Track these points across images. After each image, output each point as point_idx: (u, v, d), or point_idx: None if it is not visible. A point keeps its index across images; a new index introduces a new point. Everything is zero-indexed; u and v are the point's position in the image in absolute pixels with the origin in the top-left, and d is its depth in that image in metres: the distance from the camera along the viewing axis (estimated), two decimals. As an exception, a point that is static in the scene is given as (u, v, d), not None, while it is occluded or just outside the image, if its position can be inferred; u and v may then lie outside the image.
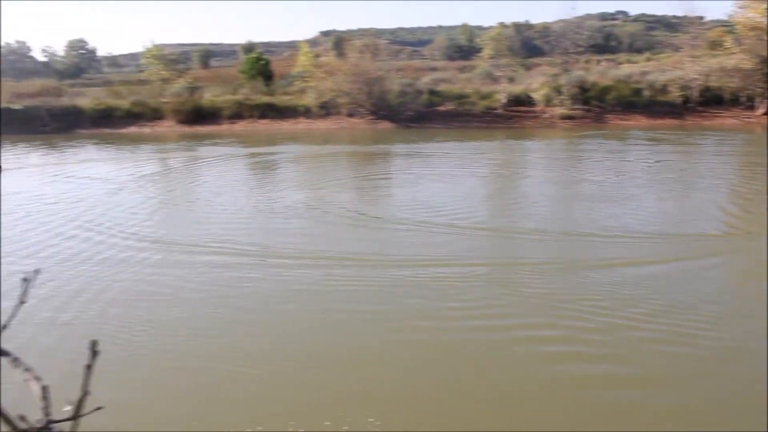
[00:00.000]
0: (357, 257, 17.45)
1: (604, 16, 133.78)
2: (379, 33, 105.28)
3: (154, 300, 14.75)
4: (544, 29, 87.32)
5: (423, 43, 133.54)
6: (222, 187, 29.63)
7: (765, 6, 55.33)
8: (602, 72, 63.18)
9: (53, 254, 18.67)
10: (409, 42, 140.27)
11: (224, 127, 58.26)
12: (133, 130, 59.30)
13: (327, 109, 59.06)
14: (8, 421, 0.82)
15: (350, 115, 58.17)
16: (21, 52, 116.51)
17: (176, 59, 75.41)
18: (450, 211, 23.27)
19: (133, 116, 61.63)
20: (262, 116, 59.86)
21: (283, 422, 9.48)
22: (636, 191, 26.40)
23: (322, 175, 33.89)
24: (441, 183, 29.79)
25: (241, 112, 60.33)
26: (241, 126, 58.71)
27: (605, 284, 15.05)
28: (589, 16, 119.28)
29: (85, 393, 0.87)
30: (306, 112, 59.53)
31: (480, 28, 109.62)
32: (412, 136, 49.80)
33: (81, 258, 18.16)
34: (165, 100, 61.98)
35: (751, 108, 55.40)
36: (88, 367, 0.85)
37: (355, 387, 10.64)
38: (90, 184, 31.32)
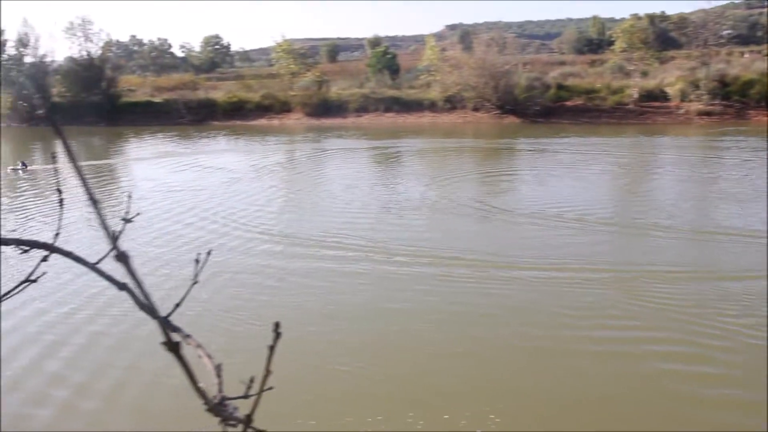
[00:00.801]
0: (477, 257, 17.12)
1: (750, 5, 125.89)
2: (506, 26, 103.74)
3: (263, 290, 15.10)
4: (681, 20, 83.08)
5: (551, 36, 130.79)
6: (346, 180, 30.04)
7: None
8: (746, 65, 59.30)
9: (171, 240, 19.58)
10: (537, 35, 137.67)
11: (350, 120, 59.20)
12: (262, 122, 61.36)
13: (452, 103, 58.83)
14: (202, 395, 0.87)
15: (475, 109, 57.68)
16: (162, 49, 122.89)
17: (305, 53, 77.29)
18: (578, 207, 22.57)
19: (263, 109, 63.78)
20: (388, 109, 60.36)
21: (402, 412, 9.45)
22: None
23: (448, 169, 33.70)
24: (570, 179, 28.99)
25: (366, 105, 61.09)
26: (366, 119, 59.46)
27: (743, 296, 13.97)
28: (732, 5, 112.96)
29: (267, 372, 0.94)
30: (431, 106, 59.53)
31: (612, 20, 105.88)
32: (539, 132, 48.70)
33: (195, 245, 18.80)
34: (293, 93, 63.75)
35: None
36: (271, 348, 0.92)
37: (468, 384, 10.47)
38: (214, 174, 32.61)
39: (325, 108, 61.56)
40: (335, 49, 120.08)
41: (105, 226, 0.76)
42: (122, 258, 0.78)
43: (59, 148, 0.69)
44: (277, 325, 0.90)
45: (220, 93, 67.66)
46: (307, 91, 63.33)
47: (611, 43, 76.31)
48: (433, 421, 9.29)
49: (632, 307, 13.49)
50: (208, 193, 27.26)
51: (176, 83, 74.25)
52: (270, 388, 0.97)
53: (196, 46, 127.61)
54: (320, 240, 19.16)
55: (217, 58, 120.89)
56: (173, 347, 0.84)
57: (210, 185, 29.28)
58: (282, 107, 63.43)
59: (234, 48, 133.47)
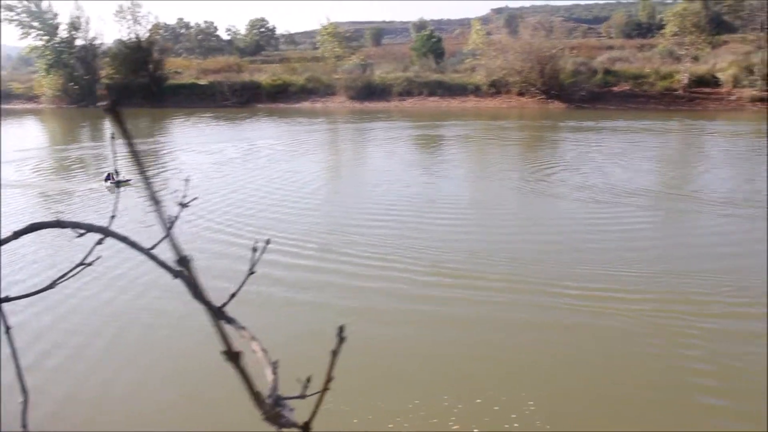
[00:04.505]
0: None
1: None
2: (553, 10, 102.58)
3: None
4: (737, 3, 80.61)
5: (600, 20, 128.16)
6: (383, 173, 29.97)
7: None
8: (804, 49, 57.37)
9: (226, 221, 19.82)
10: (584, 19, 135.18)
11: (393, 104, 59.08)
12: (306, 105, 61.63)
13: (496, 88, 58.29)
14: (257, 398, 0.84)
15: (520, 94, 57.04)
16: (208, 32, 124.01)
17: (350, 37, 77.39)
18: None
19: (307, 92, 64.03)
20: (431, 93, 60.09)
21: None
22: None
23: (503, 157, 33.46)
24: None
25: (410, 89, 60.88)
26: (409, 103, 59.27)
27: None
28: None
29: (329, 378, 0.91)
30: (475, 91, 59.09)
31: (663, 3, 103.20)
32: (584, 117, 48.00)
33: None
34: (337, 76, 63.79)
35: None
36: (334, 353, 0.89)
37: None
38: (259, 153, 32.95)
39: (368, 91, 61.56)
40: (380, 32, 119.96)
41: (161, 215, 0.75)
42: (184, 263, 0.76)
43: (116, 130, 0.67)
44: (341, 329, 0.87)
45: (265, 76, 68.07)
46: (351, 75, 63.39)
47: (661, 27, 74.32)
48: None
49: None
50: (253, 173, 27.56)
51: (221, 66, 74.91)
52: (326, 389, 0.96)
53: (242, 29, 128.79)
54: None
55: (262, 41, 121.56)
56: (233, 357, 0.82)
57: (254, 166, 29.59)
58: (326, 90, 63.59)
59: (279, 31, 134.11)
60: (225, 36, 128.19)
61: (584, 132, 40.90)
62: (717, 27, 74.52)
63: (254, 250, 1.20)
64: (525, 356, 10.92)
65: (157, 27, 74.89)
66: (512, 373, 10.34)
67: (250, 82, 66.07)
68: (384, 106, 58.20)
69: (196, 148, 36.23)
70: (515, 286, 13.79)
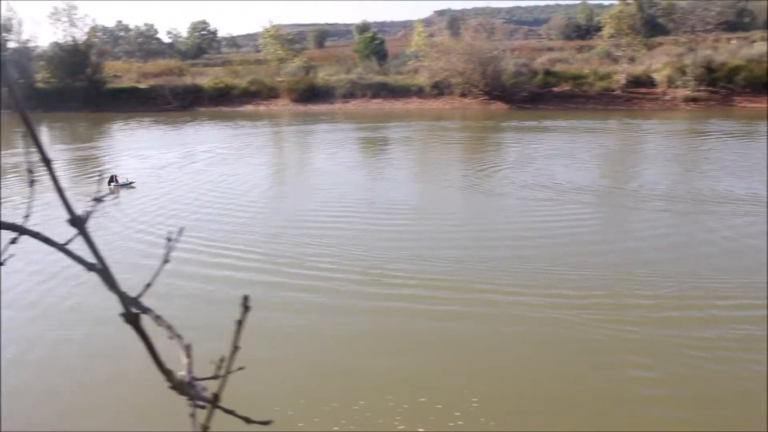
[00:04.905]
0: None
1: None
2: (494, 12, 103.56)
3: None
4: (670, 6, 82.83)
5: (540, 22, 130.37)
6: (325, 176, 29.90)
7: None
8: (732, 51, 59.26)
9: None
10: (525, 21, 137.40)
11: (337, 106, 58.98)
12: (249, 108, 61.04)
13: (439, 89, 58.66)
14: (168, 375, 0.84)
15: (463, 95, 57.54)
16: (148, 35, 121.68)
17: (293, 39, 76.78)
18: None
19: (250, 95, 63.42)
20: (375, 95, 60.16)
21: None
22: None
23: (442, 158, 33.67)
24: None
25: (354, 91, 60.84)
26: (353, 105, 59.25)
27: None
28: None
29: (235, 348, 0.89)
30: (418, 92, 59.37)
31: (600, 6, 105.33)
32: (526, 117, 48.73)
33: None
34: (280, 79, 63.36)
35: None
36: (239, 323, 0.87)
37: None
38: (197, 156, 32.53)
39: (312, 94, 61.35)
40: (323, 34, 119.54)
41: (59, 189, 0.74)
42: (77, 222, 0.77)
43: (25, 134, 0.66)
44: (245, 298, 0.87)
45: (207, 79, 67.16)
46: (294, 77, 63.02)
47: (599, 29, 75.94)
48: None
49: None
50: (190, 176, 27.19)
51: (162, 69, 73.55)
52: (241, 368, 0.95)
53: (183, 31, 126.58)
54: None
55: (203, 44, 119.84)
56: (131, 319, 0.87)
57: (192, 169, 29.22)
58: (269, 93, 63.08)
59: (221, 34, 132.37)
60: (166, 39, 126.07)
61: (526, 132, 41.53)
62: (651, 29, 76.42)
63: (169, 240, 1.16)
64: (469, 356, 10.98)
65: (94, 29, 73.23)
66: (456, 373, 10.39)
67: (192, 86, 65.08)
68: (328, 109, 58.05)
69: (134, 153, 35.49)
70: (458, 288, 13.85)
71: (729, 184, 23.69)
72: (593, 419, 9.06)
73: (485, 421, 8.93)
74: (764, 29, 74.11)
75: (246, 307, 0.86)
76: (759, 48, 59.53)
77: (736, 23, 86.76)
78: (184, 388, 0.86)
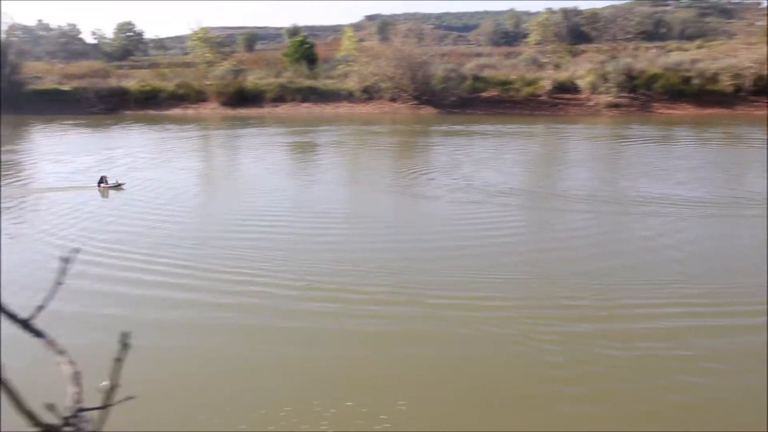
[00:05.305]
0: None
1: (655, 2, 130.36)
2: (424, 18, 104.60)
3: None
4: (593, 15, 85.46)
5: (469, 28, 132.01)
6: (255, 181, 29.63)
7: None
8: (651, 59, 61.55)
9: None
10: (454, 27, 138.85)
11: (266, 110, 58.56)
12: (177, 111, 59.93)
13: (369, 94, 58.92)
14: (30, 416, 0.78)
15: (393, 99, 57.96)
16: (71, 35, 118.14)
17: (222, 42, 75.89)
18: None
19: (178, 98, 62.26)
20: (305, 99, 60.00)
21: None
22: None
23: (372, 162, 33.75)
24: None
25: (284, 95, 60.55)
26: (283, 109, 58.92)
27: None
28: (639, 2, 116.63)
29: (113, 386, 0.84)
30: (348, 96, 59.49)
31: (527, 13, 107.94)
32: (455, 121, 49.41)
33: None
34: (209, 82, 62.44)
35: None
36: (119, 360, 0.82)
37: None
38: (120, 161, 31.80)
39: (241, 97, 60.69)
40: (253, 38, 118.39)
41: None
42: None
43: None
44: (124, 336, 0.82)
45: (133, 81, 65.62)
46: (223, 81, 62.17)
47: (526, 35, 77.81)
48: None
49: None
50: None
51: (86, 71, 71.50)
52: (129, 397, 0.91)
53: (108, 32, 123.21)
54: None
55: (130, 45, 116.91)
56: None
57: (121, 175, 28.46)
58: (197, 96, 62.07)
59: (148, 35, 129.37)
60: (90, 39, 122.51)
61: (455, 136, 42.12)
62: (576, 37, 78.71)
63: (64, 260, 1.12)
64: (395, 361, 11.01)
65: (13, 28, 70.68)
66: (383, 377, 10.43)
67: (117, 88, 63.43)
68: (257, 113, 57.55)
69: (52, 157, 34.39)
70: (388, 293, 13.80)
71: (651, 187, 24.64)
72: (509, 418, 9.28)
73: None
74: (679, 39, 77.11)
75: (125, 345, 0.81)
76: (675, 57, 62.15)
77: (655, 33, 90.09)
78: (56, 429, 0.81)
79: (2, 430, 8.81)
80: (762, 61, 55.17)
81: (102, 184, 25.51)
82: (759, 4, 65.27)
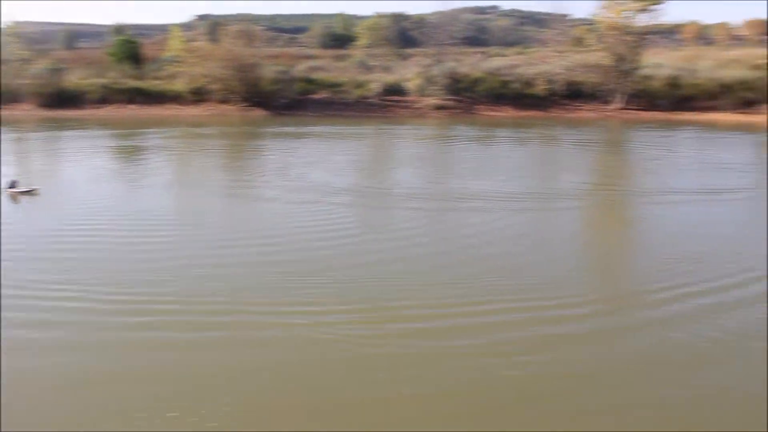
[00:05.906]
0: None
1: (478, 10, 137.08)
2: (255, 19, 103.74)
3: None
4: (420, 20, 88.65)
5: (300, 30, 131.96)
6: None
7: (622, 8, 58.86)
8: (474, 64, 64.94)
9: None
10: (286, 29, 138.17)
11: (88, 112, 55.62)
12: (-17, 113, 55.34)
13: (199, 95, 57.70)
14: None
15: (223, 101, 57.06)
16: None
17: (38, 38, 71.36)
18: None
19: (-14, 98, 57.57)
20: (130, 101, 57.68)
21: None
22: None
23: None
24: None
25: (107, 96, 57.89)
26: (106, 111, 56.22)
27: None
28: (464, 9, 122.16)
29: None
30: (176, 98, 57.90)
31: (357, 17, 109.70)
32: (286, 123, 49.49)
33: None
34: (24, 81, 58.32)
35: (608, 102, 58.70)
36: None
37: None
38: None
39: (60, 98, 57.24)
40: (74, 35, 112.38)
41: None
42: None
43: None
44: None
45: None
46: (40, 80, 58.33)
47: (356, 39, 79.16)
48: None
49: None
50: None
51: None
52: None
53: None
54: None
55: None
56: None
57: None
58: (10, 97, 57.67)
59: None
60: None
61: (286, 138, 42.36)
62: (404, 41, 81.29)
63: None
64: (214, 371, 10.87)
65: None
66: (201, 386, 10.25)
67: None
68: (78, 114, 54.48)
69: None
70: (219, 309, 13.35)
71: (475, 184, 26.33)
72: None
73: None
74: (500, 46, 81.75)
75: None
76: (496, 62, 65.98)
77: (478, 39, 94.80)
78: None
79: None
80: (570, 68, 59.93)
81: (12, 189, 23.16)
82: (567, 16, 70.59)
